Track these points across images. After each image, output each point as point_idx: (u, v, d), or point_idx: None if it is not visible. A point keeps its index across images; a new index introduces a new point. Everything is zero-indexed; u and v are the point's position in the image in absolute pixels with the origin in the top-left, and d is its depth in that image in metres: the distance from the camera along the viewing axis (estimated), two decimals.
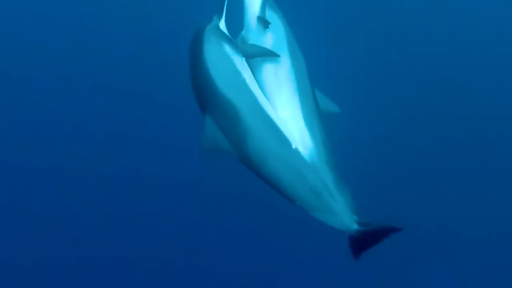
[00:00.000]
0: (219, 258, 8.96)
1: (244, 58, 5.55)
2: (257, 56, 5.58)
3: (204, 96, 5.58)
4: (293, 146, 5.35)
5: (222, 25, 5.71)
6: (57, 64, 9.98)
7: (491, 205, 9.31)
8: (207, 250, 8.99)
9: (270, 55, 5.57)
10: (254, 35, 5.74)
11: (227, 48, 5.57)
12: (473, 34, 9.97)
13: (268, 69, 5.60)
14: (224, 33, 5.66)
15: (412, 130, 9.42)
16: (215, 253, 8.98)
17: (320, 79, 5.82)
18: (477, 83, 9.83)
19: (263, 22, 5.62)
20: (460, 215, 9.12)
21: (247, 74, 5.50)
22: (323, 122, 5.60)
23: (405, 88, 9.54)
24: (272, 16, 5.73)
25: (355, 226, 5.32)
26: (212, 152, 5.62)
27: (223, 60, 5.54)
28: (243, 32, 5.79)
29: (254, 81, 5.50)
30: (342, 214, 5.34)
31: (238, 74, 5.48)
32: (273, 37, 5.72)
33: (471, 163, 9.44)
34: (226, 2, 5.68)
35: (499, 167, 9.48)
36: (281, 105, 5.52)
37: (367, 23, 9.66)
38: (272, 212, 6.42)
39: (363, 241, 5.34)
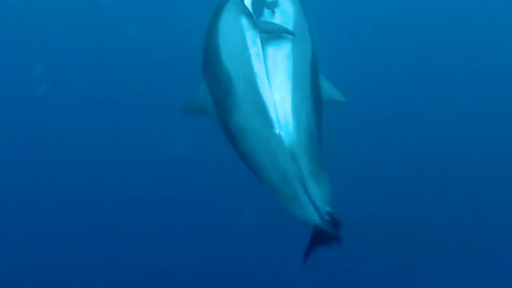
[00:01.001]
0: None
1: (259, 36, 5.65)
2: (272, 32, 5.67)
3: (207, 61, 5.75)
4: (276, 131, 5.41)
5: (248, 2, 5.81)
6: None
7: (488, 204, 9.29)
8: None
9: (284, 32, 5.66)
10: (266, 17, 5.88)
11: (244, 22, 5.70)
12: (474, 32, 9.97)
13: (268, 51, 5.70)
14: (246, 8, 5.77)
15: (415, 128, 9.38)
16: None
17: (331, 69, 5.88)
18: (478, 81, 9.83)
19: (271, 6, 5.80)
20: (458, 213, 9.09)
21: (254, 50, 5.60)
22: (317, 111, 5.64)
23: (410, 84, 9.52)
24: (285, 2, 5.85)
25: (316, 220, 5.39)
26: (196, 114, 5.86)
27: (235, 31, 5.68)
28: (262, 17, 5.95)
29: (261, 59, 5.59)
30: (306, 206, 5.41)
31: (245, 48, 5.61)
32: (280, 22, 5.82)
33: (473, 160, 9.42)
34: None
35: (498, 166, 9.46)
36: (274, 87, 5.58)
37: (381, 19, 9.66)
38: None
39: (320, 236, 5.39)
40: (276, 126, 5.41)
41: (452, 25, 9.90)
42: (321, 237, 5.40)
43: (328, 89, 5.83)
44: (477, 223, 9.07)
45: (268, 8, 5.83)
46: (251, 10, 5.78)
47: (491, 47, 9.91)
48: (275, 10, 5.81)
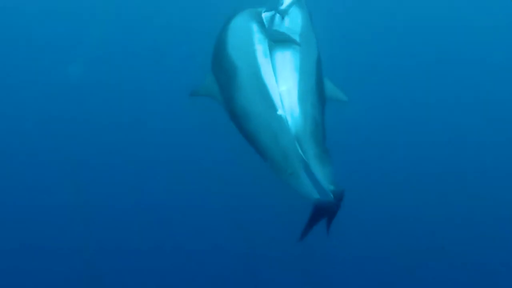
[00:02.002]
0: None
1: (267, 39, 6.31)
2: (279, 41, 6.31)
3: (216, 54, 6.45)
4: (279, 112, 5.90)
5: (263, 14, 6.57)
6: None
7: (488, 204, 9.33)
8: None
9: (291, 42, 6.29)
10: (276, 23, 6.58)
11: (254, 26, 6.43)
12: (474, 32, 10.05)
13: (277, 50, 6.30)
14: (259, 16, 6.54)
15: (416, 130, 9.49)
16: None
17: (335, 72, 6.43)
18: (478, 82, 9.90)
19: (282, 13, 6.50)
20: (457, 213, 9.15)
21: (261, 47, 6.25)
22: (321, 103, 6.17)
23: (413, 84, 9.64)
24: (295, 11, 6.55)
25: (315, 196, 5.69)
26: (202, 97, 6.45)
27: (244, 31, 6.40)
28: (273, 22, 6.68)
29: (267, 56, 6.20)
30: (305, 181, 5.75)
31: (251, 44, 6.28)
32: (290, 27, 6.50)
33: (473, 160, 9.47)
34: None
35: (500, 166, 9.51)
36: (281, 79, 6.13)
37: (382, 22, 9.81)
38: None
39: (320, 211, 5.67)
40: (279, 108, 5.89)
41: (453, 26, 9.97)
42: (320, 211, 5.67)
43: (331, 89, 6.39)
44: (477, 223, 9.12)
45: (279, 14, 6.48)
46: (263, 19, 6.50)
47: (494, 48, 9.96)
48: (286, 17, 6.47)
